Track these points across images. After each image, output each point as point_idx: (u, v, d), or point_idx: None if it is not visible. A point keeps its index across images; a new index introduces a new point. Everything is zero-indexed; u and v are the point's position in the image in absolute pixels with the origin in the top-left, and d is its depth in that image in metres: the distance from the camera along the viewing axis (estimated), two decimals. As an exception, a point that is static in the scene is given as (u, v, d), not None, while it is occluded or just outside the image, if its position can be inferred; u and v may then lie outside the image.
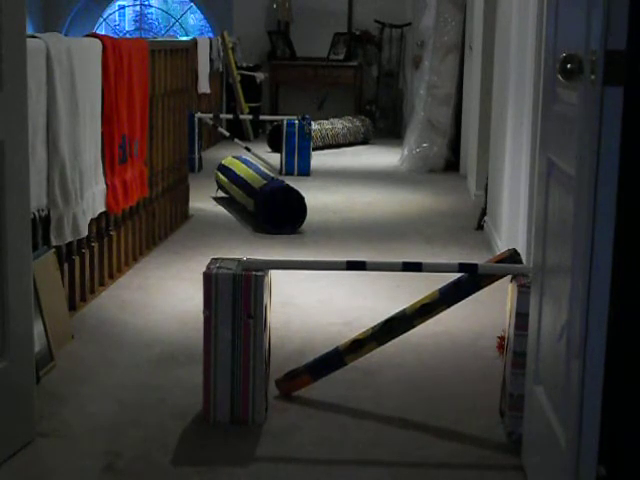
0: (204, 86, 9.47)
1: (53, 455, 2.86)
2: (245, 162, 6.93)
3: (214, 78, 10.11)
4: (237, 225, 6.22)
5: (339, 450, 2.94)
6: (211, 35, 12.75)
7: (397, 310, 3.29)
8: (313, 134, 9.16)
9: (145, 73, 5.14)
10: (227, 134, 9.13)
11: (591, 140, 2.05)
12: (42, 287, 3.57)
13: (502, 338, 3.47)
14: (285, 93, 11.87)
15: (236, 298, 2.99)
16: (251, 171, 6.60)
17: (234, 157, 7.17)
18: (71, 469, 2.78)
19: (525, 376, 2.83)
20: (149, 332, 4.01)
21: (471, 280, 3.14)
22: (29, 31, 3.11)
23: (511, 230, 4.93)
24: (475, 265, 3.16)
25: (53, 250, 3.87)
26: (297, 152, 8.29)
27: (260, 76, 11.14)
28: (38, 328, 3.42)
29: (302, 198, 6.08)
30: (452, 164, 8.84)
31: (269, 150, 9.46)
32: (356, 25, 11.78)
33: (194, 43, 8.70)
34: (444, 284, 3.21)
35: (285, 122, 8.38)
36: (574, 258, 2.19)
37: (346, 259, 3.40)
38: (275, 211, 6.02)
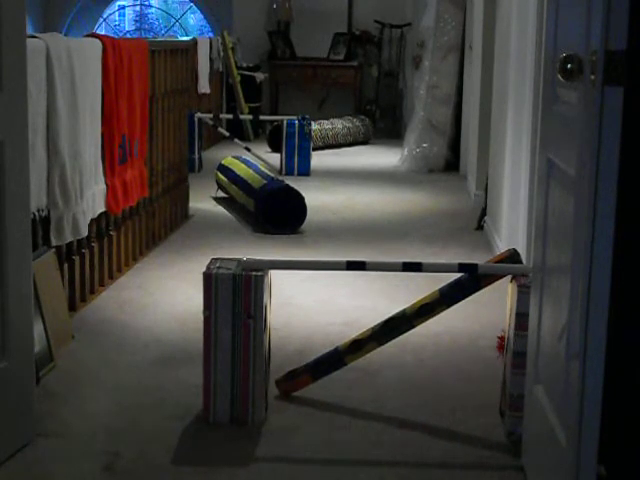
0: (204, 86, 9.47)
1: (53, 455, 2.85)
2: (245, 162, 6.93)
3: (214, 78, 10.11)
4: (237, 225, 6.22)
5: (339, 450, 2.94)
6: (211, 35, 12.74)
7: (397, 310, 3.29)
8: (313, 134, 9.16)
9: (145, 73, 5.14)
10: (227, 134, 9.13)
11: (591, 140, 2.05)
12: (42, 287, 3.57)
13: (502, 338, 3.47)
14: (285, 93, 11.87)
15: (236, 298, 2.99)
16: (251, 171, 6.60)
17: (234, 157, 7.17)
18: (71, 469, 2.78)
19: (525, 376, 2.83)
20: (149, 332, 4.01)
21: (471, 280, 3.14)
22: (29, 31, 3.11)
23: (511, 230, 4.93)
24: (475, 265, 3.16)
25: (53, 250, 3.87)
26: (297, 152, 8.28)
27: (260, 76, 11.14)
28: (38, 328, 3.42)
29: (302, 198, 6.08)
30: (452, 164, 8.84)
31: (269, 150, 9.46)
32: (356, 25, 11.78)
33: (194, 43, 8.69)
34: (444, 284, 3.21)
35: (285, 122, 8.38)
36: (574, 258, 2.19)
37: (346, 259, 3.40)
38: (275, 211, 6.02)
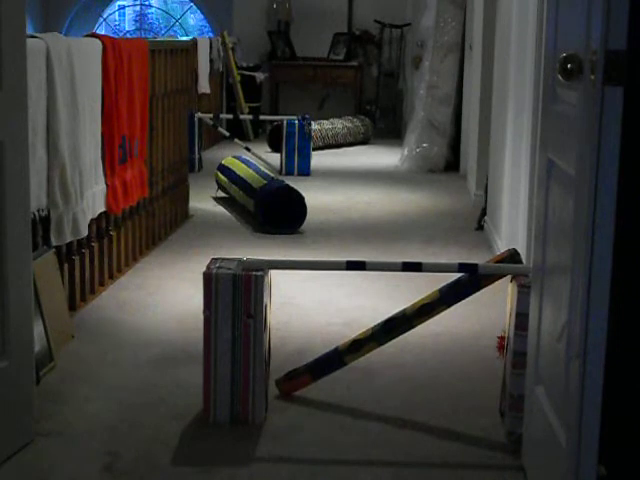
0: (204, 86, 9.46)
1: (53, 455, 2.86)
2: (245, 162, 6.93)
3: (214, 78, 10.11)
4: (237, 225, 6.22)
5: (339, 450, 2.94)
6: (211, 35, 12.74)
7: (397, 310, 3.29)
8: (313, 134, 9.16)
9: (145, 73, 5.14)
10: (227, 134, 9.13)
11: (591, 140, 2.05)
12: (42, 287, 3.57)
13: (502, 338, 3.47)
14: (285, 93, 11.87)
15: (236, 298, 2.99)
16: (251, 171, 6.60)
17: (234, 157, 7.17)
18: (71, 469, 2.78)
19: (525, 376, 2.83)
20: (149, 332, 4.01)
21: (471, 280, 3.14)
22: (29, 31, 3.11)
23: (511, 230, 4.93)
24: (475, 265, 3.15)
25: (53, 250, 3.87)
26: (297, 152, 8.29)
27: (260, 76, 11.14)
28: (38, 328, 3.42)
29: (302, 198, 6.08)
30: (452, 164, 8.84)
31: (269, 150, 9.46)
32: (356, 25, 11.78)
33: (194, 43, 8.69)
34: (444, 284, 3.21)
35: (285, 122, 8.38)
36: (574, 258, 2.19)
37: (346, 259, 3.40)
38: (275, 211, 6.02)
